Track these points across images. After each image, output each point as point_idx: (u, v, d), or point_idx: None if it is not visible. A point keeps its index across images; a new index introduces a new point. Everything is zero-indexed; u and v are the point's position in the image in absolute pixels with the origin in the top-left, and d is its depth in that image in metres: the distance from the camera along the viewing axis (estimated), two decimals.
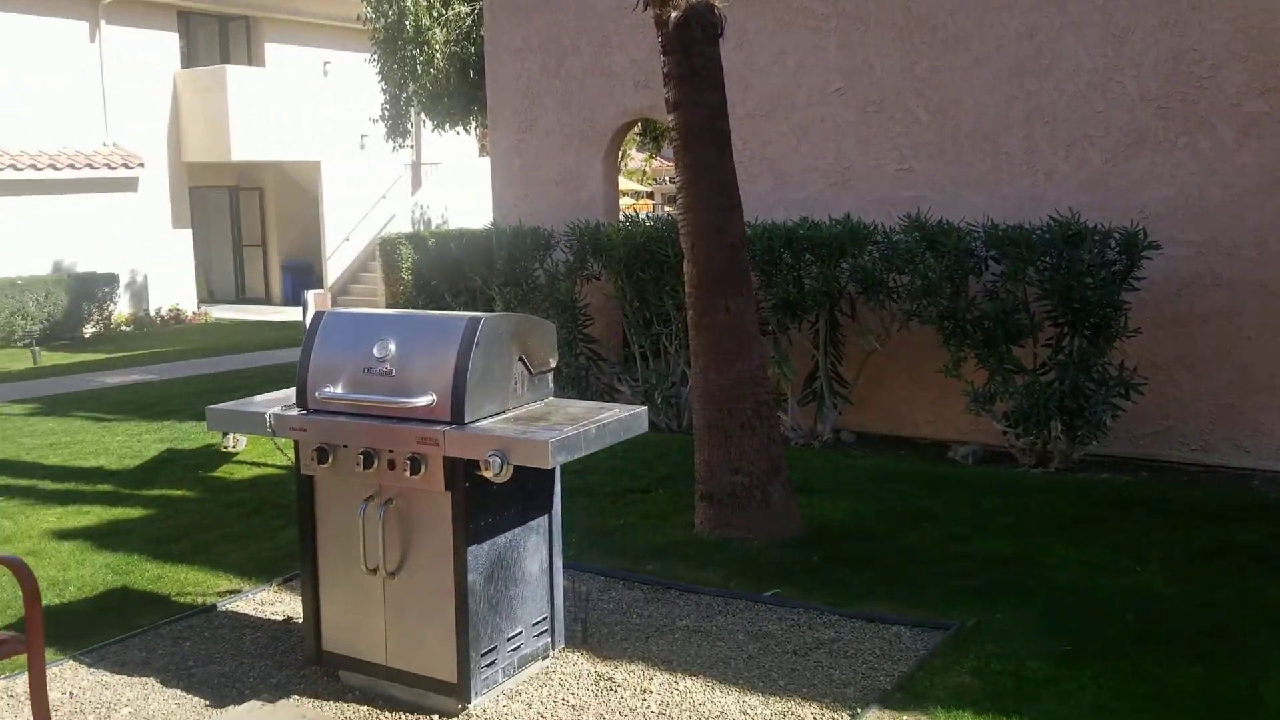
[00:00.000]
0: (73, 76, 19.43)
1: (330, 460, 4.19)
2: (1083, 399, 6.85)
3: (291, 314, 21.93)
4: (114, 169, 19.47)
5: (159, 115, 20.89)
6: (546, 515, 4.37)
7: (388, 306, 22.35)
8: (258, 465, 7.94)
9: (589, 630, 4.76)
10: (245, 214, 24.04)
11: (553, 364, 4.40)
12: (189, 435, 9.07)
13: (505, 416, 4.10)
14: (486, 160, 26.66)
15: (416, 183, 26.37)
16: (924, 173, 8.02)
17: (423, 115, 17.20)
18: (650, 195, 39.68)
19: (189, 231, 21.53)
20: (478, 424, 3.98)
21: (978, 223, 7.28)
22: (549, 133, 9.43)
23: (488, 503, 4.05)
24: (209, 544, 6.18)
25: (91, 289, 18.76)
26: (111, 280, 19.16)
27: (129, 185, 20.01)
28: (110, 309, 19.22)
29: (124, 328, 19.56)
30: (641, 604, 5.08)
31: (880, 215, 7.93)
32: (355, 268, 23.43)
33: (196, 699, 4.30)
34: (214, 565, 5.84)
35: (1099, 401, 6.85)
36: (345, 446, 4.15)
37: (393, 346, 4.12)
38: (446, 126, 16.98)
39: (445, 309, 10.15)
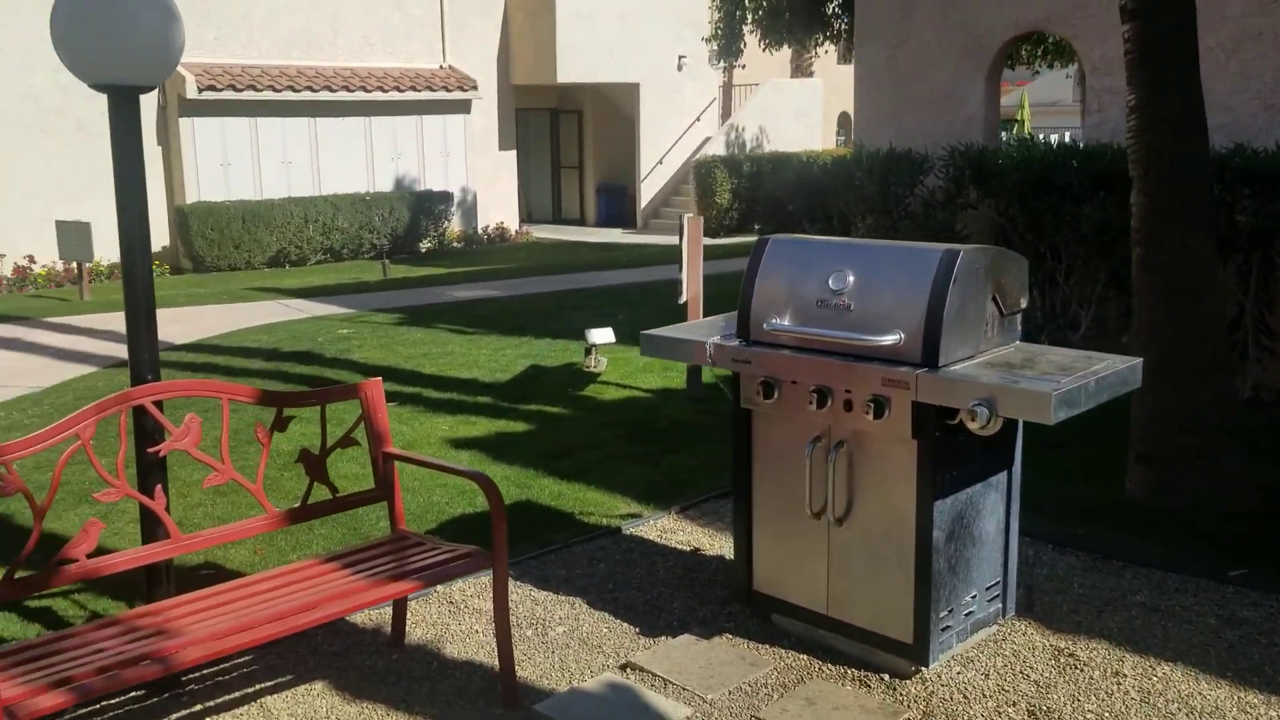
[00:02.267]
0: (413, 1, 20.38)
1: (776, 396, 3.97)
2: None
3: (606, 235, 22.39)
4: (450, 91, 20.33)
5: (490, 39, 21.61)
6: (1007, 472, 3.99)
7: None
8: (624, 387, 7.98)
9: (1033, 597, 4.36)
10: (564, 136, 24.62)
11: (1023, 304, 3.97)
12: (547, 352, 9.27)
13: (978, 361, 3.72)
14: (803, 81, 26.08)
15: (727, 105, 26.12)
16: None
17: (756, 33, 16.73)
18: None
19: (514, 153, 22.28)
20: (951, 368, 3.62)
21: None
22: (924, 47, 8.83)
23: (954, 455, 3.71)
24: (596, 464, 6.21)
25: (429, 206, 19.80)
26: (447, 199, 20.15)
27: (463, 107, 20.87)
28: (445, 226, 20.25)
29: (455, 244, 20.58)
30: (1080, 573, 4.62)
31: None
32: (667, 191, 23.57)
33: (626, 625, 4.25)
34: (606, 486, 5.85)
35: None
36: (794, 383, 3.91)
37: (851, 278, 3.82)
38: (783, 44, 16.41)
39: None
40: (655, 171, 23.26)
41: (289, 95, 18.08)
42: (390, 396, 7.88)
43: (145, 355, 3.66)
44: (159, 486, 3.67)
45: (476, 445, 6.60)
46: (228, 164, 17.95)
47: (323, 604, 3.41)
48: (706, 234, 22.03)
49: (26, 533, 4.95)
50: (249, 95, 17.50)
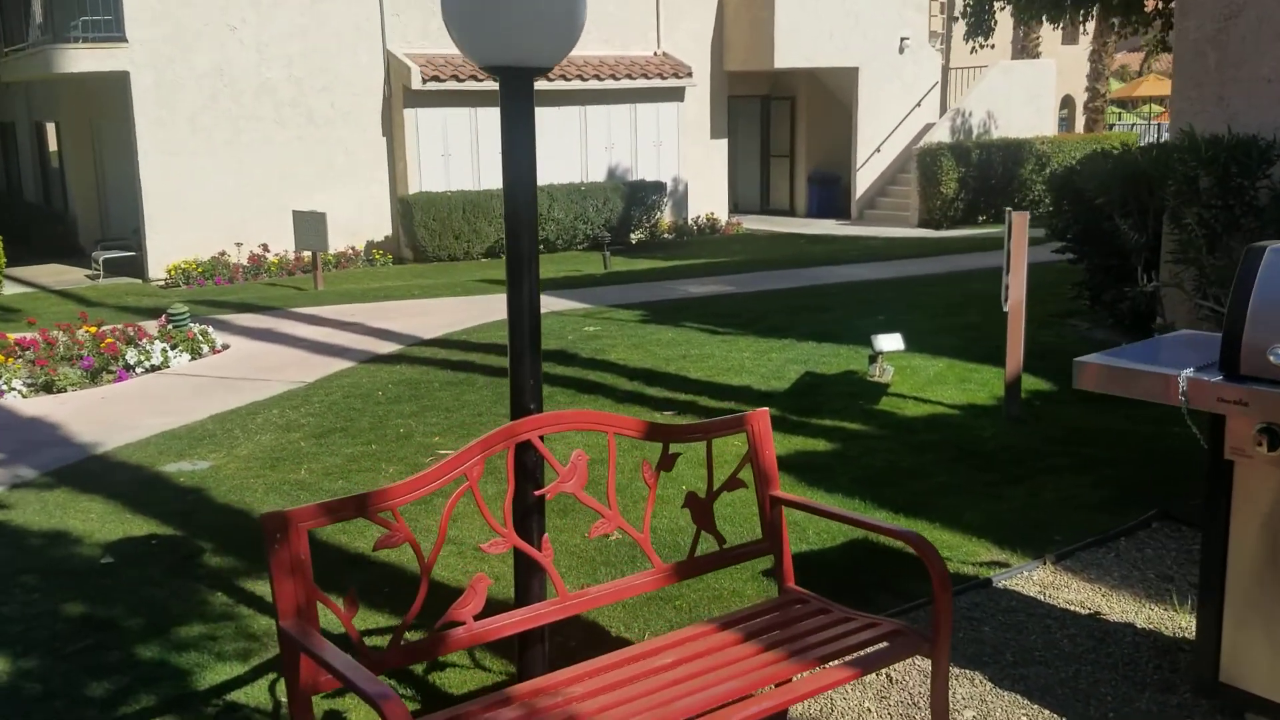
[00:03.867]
0: None
1: None
2: None
3: (819, 226, 21.51)
4: (665, 79, 19.84)
5: (705, 24, 21.01)
6: None
7: (919, 222, 21.24)
8: (923, 401, 7.20)
9: None
10: (775, 124, 23.84)
11: None
12: (818, 358, 8.56)
13: None
14: (1032, 63, 24.46)
15: (945, 90, 24.76)
16: None
17: (1006, 8, 15.51)
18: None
19: (725, 142, 21.66)
20: None
21: None
22: (1263, 20, 7.71)
23: None
24: (928, 495, 5.47)
25: (642, 196, 19.39)
26: (659, 189, 19.69)
27: (676, 95, 20.35)
28: (657, 216, 19.80)
29: (665, 235, 20.11)
30: None
31: None
32: (884, 180, 22.50)
33: (1047, 712, 3.52)
34: (951, 523, 5.11)
35: None
36: None
37: None
38: (1045, 19, 15.11)
39: (1098, 229, 8.80)
40: (871, 160, 22.23)
41: None
42: (661, 404, 7.35)
43: (529, 382, 3.14)
44: (544, 535, 3.15)
45: (782, 465, 5.94)
46: (448, 155, 17.94)
47: (757, 692, 2.81)
48: (929, 225, 20.92)
49: (405, 583, 4.60)
50: (470, 85, 17.41)
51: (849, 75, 21.74)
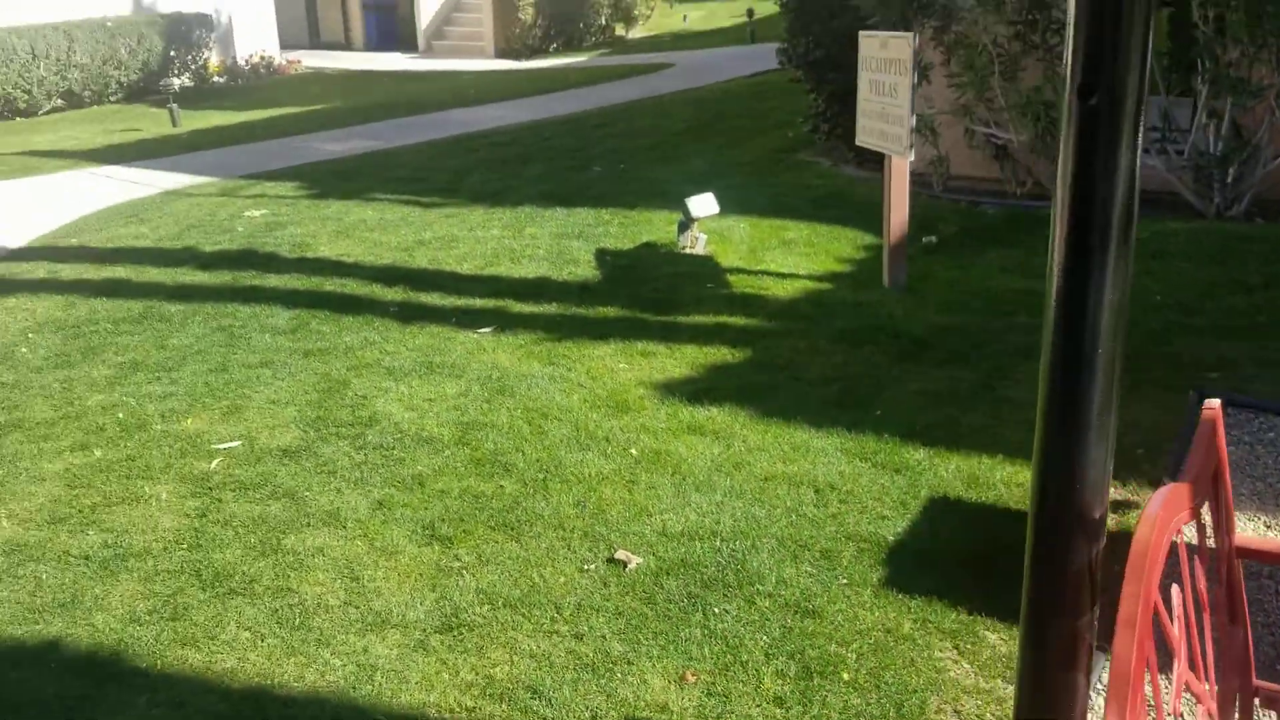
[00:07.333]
0: None
1: None
2: None
3: (389, 61, 19.09)
4: None
5: None
6: None
7: (497, 53, 19.52)
8: (770, 275, 5.97)
9: None
10: None
11: None
12: (585, 229, 7.00)
13: None
14: None
15: None
16: None
17: None
18: None
19: None
20: None
21: None
22: None
23: None
24: (919, 409, 4.33)
25: (185, 33, 15.86)
26: (205, 21, 16.23)
27: None
28: (205, 56, 16.37)
29: (216, 78, 16.73)
30: None
31: None
32: (449, 6, 20.36)
33: None
34: (995, 449, 4.04)
35: None
36: None
37: None
38: None
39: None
40: None
41: None
42: (444, 315, 5.53)
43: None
44: None
45: (707, 398, 4.48)
46: None
47: None
48: (509, 55, 19.31)
49: None
50: None
51: None
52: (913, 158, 5.37)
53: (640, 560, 3.34)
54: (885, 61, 5.38)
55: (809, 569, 3.30)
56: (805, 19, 8.09)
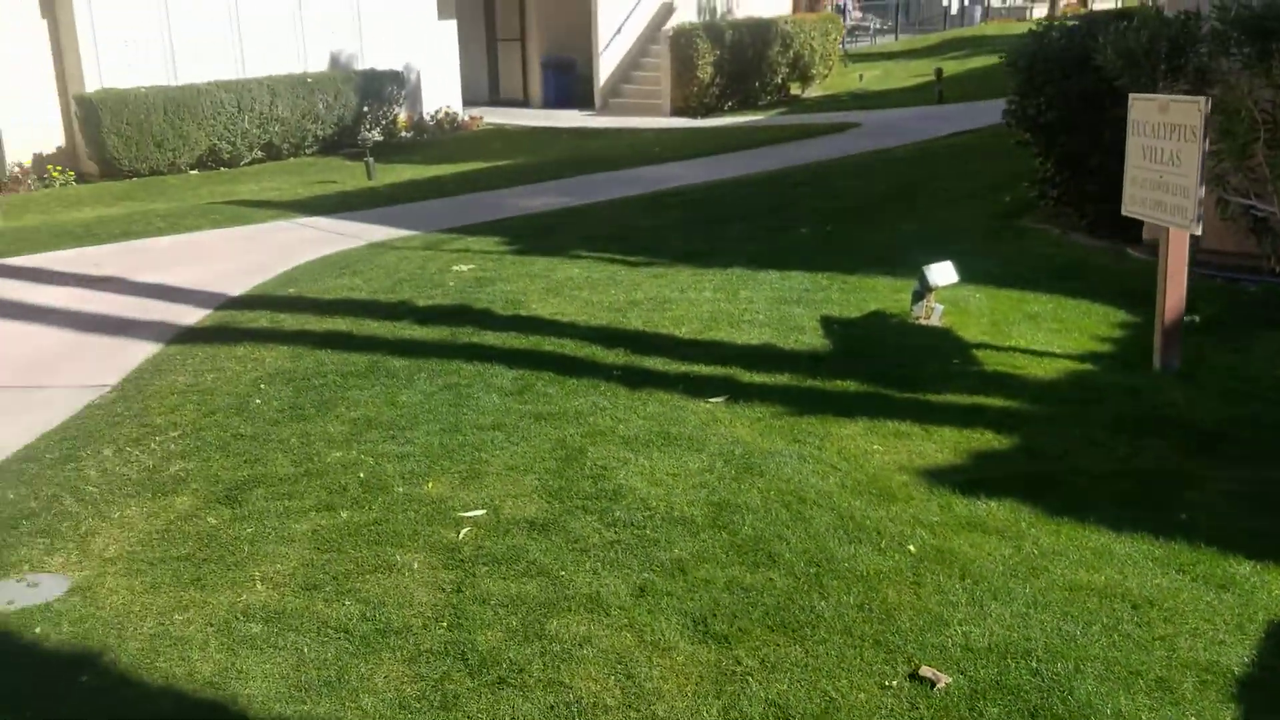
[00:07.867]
0: None
1: None
2: None
3: (567, 118, 19.33)
4: None
5: None
6: None
7: (673, 111, 19.56)
8: (1018, 351, 5.55)
9: None
10: (501, 3, 21.15)
11: None
12: (804, 294, 6.69)
13: None
14: None
15: None
16: None
17: None
18: None
19: (454, 23, 18.79)
20: None
21: None
22: None
23: None
24: (1232, 515, 3.86)
25: (377, 88, 16.33)
26: (396, 79, 16.70)
27: None
28: (395, 112, 16.84)
29: (404, 133, 17.20)
30: None
31: None
32: (626, 65, 20.57)
33: None
34: None
35: None
36: None
37: None
38: None
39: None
40: (613, 44, 20.21)
41: None
42: (670, 382, 5.26)
43: None
44: None
45: (980, 489, 4.08)
46: (130, 41, 14.01)
47: None
48: (684, 113, 19.31)
49: None
50: None
51: None
52: (1199, 230, 4.90)
53: (949, 679, 2.97)
54: (1165, 126, 4.95)
55: (1146, 701, 2.87)
56: (1037, 80, 7.67)
